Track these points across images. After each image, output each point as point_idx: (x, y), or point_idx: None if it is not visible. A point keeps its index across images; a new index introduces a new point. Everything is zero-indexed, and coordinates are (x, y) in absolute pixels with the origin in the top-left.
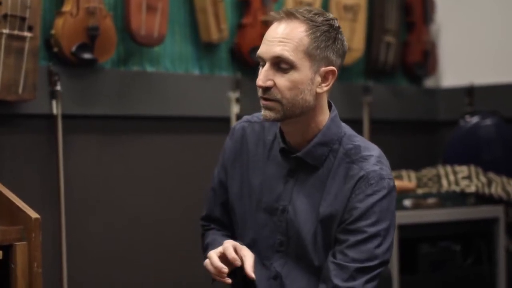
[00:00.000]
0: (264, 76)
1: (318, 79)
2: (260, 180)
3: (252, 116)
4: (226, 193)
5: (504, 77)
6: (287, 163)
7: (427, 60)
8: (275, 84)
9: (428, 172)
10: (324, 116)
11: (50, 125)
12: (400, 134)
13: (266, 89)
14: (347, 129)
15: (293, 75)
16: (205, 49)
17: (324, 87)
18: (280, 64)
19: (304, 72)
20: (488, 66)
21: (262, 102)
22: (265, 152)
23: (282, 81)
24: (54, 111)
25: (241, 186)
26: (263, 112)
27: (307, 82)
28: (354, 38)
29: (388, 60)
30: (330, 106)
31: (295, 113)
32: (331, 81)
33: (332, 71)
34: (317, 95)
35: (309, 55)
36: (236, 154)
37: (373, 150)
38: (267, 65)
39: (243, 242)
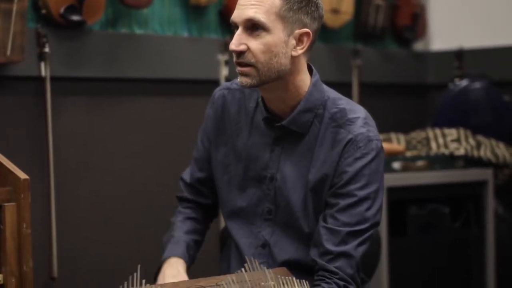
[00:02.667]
0: (237, 40)
1: (293, 41)
2: (246, 149)
3: (231, 83)
4: (209, 161)
5: (494, 40)
6: (271, 132)
7: (417, 23)
8: (248, 48)
9: (417, 135)
10: (305, 81)
11: (38, 87)
12: (389, 97)
13: (240, 54)
14: (330, 92)
15: (266, 38)
16: (193, 11)
17: (299, 50)
18: (253, 28)
19: (277, 35)
20: (478, 30)
21: (237, 68)
22: (247, 119)
23: (255, 44)
24: (43, 73)
25: (226, 155)
26: (239, 79)
27: (281, 45)
28: (344, 1)
29: (377, 23)
30: (311, 71)
31: (271, 78)
32: (306, 44)
33: (307, 33)
34: (293, 59)
35: (281, 17)
36: (218, 123)
37: (359, 112)
38: (240, 29)
39: (230, 211)
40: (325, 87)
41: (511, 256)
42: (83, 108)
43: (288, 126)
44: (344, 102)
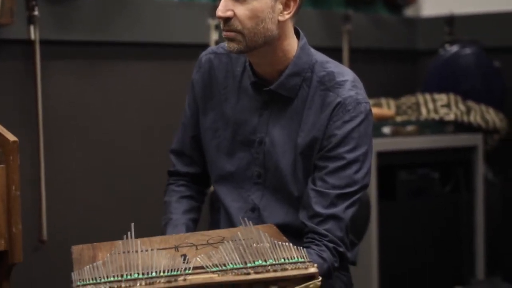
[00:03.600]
0: (223, 6)
1: (279, 6)
2: (234, 113)
3: (217, 47)
4: (198, 126)
5: (484, 6)
6: (259, 96)
7: None
8: (235, 14)
9: (407, 100)
10: (292, 45)
11: (27, 51)
12: (380, 63)
13: (227, 20)
14: (318, 55)
15: (252, 4)
16: None
17: (286, 15)
18: None
19: (263, 0)
20: None
21: (224, 33)
22: (235, 84)
23: (241, 10)
24: (32, 36)
25: (214, 120)
26: (227, 44)
27: (267, 10)
28: None
29: None
30: (298, 34)
31: (258, 43)
32: (293, 8)
33: None
34: (280, 23)
35: None
36: (205, 88)
37: (347, 75)
38: None
39: (218, 175)
40: (312, 50)
41: (500, 220)
42: (72, 71)
43: (277, 90)
44: (332, 65)
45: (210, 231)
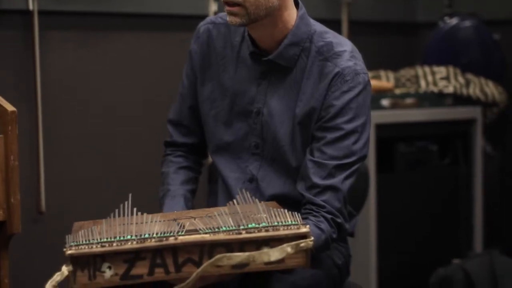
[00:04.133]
0: None
1: None
2: (232, 83)
3: (216, 17)
4: (195, 96)
5: None
6: (258, 66)
7: None
8: None
9: (406, 72)
10: (292, 16)
11: (26, 21)
12: (379, 35)
13: None
14: (317, 26)
15: None
16: None
17: None
18: None
19: None
20: None
21: (226, 8)
22: (233, 54)
23: None
24: (30, 6)
25: (212, 90)
26: (228, 18)
27: None
28: None
29: None
30: (297, 4)
31: (260, 16)
32: None
33: None
34: None
35: None
36: (204, 58)
37: (346, 45)
38: None
39: (216, 145)
40: (311, 21)
41: (498, 193)
42: (71, 42)
43: (275, 60)
44: (330, 36)
45: (212, 208)
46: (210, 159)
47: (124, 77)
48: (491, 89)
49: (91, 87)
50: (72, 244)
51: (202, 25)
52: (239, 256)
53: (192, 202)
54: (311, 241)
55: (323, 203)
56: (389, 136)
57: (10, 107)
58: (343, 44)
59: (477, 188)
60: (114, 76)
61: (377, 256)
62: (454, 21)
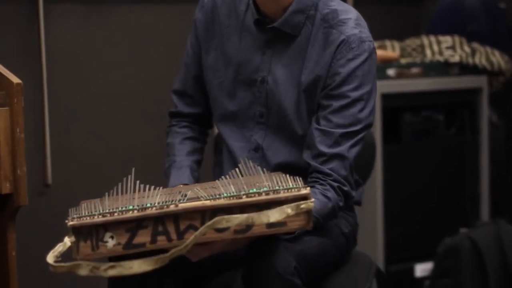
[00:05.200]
0: None
1: None
2: (236, 52)
3: None
4: (200, 66)
5: None
6: (262, 34)
7: None
8: None
9: (412, 42)
10: None
11: None
12: (385, 4)
13: None
14: None
15: None
16: None
17: None
18: None
19: None
20: None
21: None
22: (238, 23)
23: None
24: None
25: (217, 59)
26: None
27: None
28: None
29: None
30: None
31: None
32: None
33: None
34: None
35: None
36: (208, 27)
37: (351, 13)
38: None
39: (221, 114)
40: None
41: (504, 162)
42: (76, 14)
43: (280, 27)
44: (335, 3)
45: (217, 181)
46: (215, 130)
47: (129, 48)
48: (497, 58)
49: (96, 59)
50: (74, 216)
51: None
52: (238, 218)
53: (198, 172)
54: (311, 202)
55: (329, 172)
56: (395, 106)
57: (15, 79)
58: (348, 11)
59: (483, 157)
60: (119, 48)
61: (384, 225)
62: None
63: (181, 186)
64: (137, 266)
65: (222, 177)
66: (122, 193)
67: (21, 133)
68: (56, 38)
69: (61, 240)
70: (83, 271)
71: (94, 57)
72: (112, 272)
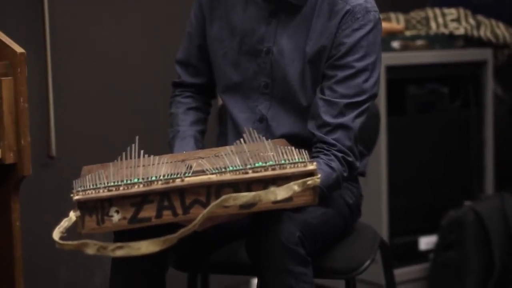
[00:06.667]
0: None
1: None
2: (241, 22)
3: None
4: (204, 35)
5: None
6: (267, 5)
7: None
8: None
9: (417, 14)
10: None
11: None
12: None
13: None
14: None
15: None
16: None
17: None
18: None
19: None
20: None
21: None
22: None
23: None
24: None
25: (221, 29)
26: None
27: None
28: None
29: None
30: None
31: None
32: None
33: None
34: None
35: None
36: None
37: None
38: None
39: (225, 85)
40: None
41: (509, 136)
42: None
43: None
44: None
45: (220, 147)
46: (219, 101)
47: (133, 19)
48: (502, 31)
49: (100, 30)
50: (79, 189)
51: None
52: (245, 196)
53: (202, 142)
54: (318, 178)
55: (334, 142)
56: (399, 78)
57: (19, 49)
58: None
59: (488, 130)
60: (123, 19)
61: (388, 197)
62: None
63: (184, 153)
64: (145, 247)
65: (228, 149)
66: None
67: (24, 103)
68: (60, 8)
69: (66, 213)
70: (90, 250)
71: (98, 27)
72: (120, 253)
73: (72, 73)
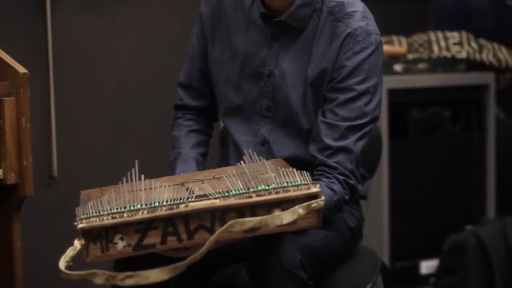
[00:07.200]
0: None
1: None
2: (243, 45)
3: None
4: (206, 58)
5: None
6: (269, 28)
7: None
8: None
9: (419, 37)
10: None
11: None
12: (392, 0)
13: None
14: None
15: None
16: None
17: None
18: None
19: None
20: None
21: None
22: (244, 16)
23: None
24: None
25: (223, 52)
26: None
27: None
28: None
29: None
30: None
31: None
32: None
33: None
34: None
35: None
36: (214, 20)
37: (357, 6)
38: None
39: (227, 108)
40: None
41: (511, 160)
42: (82, 5)
43: (287, 21)
44: None
45: (218, 169)
46: (221, 123)
47: (135, 41)
48: (504, 55)
49: (102, 51)
50: (82, 217)
51: None
52: (251, 221)
53: (204, 165)
54: (322, 200)
55: (335, 165)
56: (401, 102)
57: (21, 69)
58: (355, 4)
59: (490, 154)
60: (125, 40)
61: (390, 220)
62: None
63: (182, 175)
64: (155, 276)
65: (228, 171)
66: (128, 187)
67: (27, 123)
68: (63, 28)
69: (67, 233)
70: (99, 280)
71: (100, 48)
72: (129, 282)
73: (74, 94)
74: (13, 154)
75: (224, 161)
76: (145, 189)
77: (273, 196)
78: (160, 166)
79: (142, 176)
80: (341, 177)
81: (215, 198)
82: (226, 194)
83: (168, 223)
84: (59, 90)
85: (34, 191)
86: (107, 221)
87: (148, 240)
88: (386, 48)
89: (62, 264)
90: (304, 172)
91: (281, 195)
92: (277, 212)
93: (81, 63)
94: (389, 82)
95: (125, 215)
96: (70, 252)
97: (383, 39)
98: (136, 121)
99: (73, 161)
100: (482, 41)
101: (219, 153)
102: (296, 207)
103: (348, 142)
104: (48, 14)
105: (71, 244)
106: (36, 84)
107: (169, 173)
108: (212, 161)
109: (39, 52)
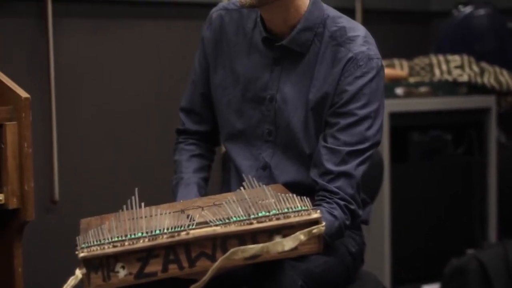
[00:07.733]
0: None
1: None
2: (245, 69)
3: (228, 3)
4: (208, 83)
5: None
6: (270, 52)
7: None
8: None
9: (421, 61)
10: (304, 1)
11: (40, 9)
12: (393, 23)
13: None
14: (330, 11)
15: None
16: None
17: None
18: None
19: None
20: None
21: None
22: (246, 41)
23: None
24: None
25: (225, 76)
26: None
27: None
28: None
29: None
30: None
31: None
32: None
33: None
34: None
35: None
36: (216, 45)
37: (359, 30)
38: None
39: (229, 133)
40: (324, 5)
41: None
42: (84, 29)
43: (288, 45)
44: (344, 20)
45: (218, 195)
46: (223, 149)
47: (137, 64)
48: (506, 78)
49: (104, 75)
50: (83, 246)
51: (214, 12)
52: (253, 248)
53: (206, 190)
54: (323, 226)
55: (336, 190)
56: (403, 125)
57: (23, 94)
58: (356, 29)
59: (491, 177)
60: (127, 64)
61: (391, 245)
62: (468, 9)
63: (182, 201)
64: None
65: (228, 197)
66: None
67: (28, 148)
68: (64, 52)
69: (69, 258)
70: None
71: (101, 71)
72: None
73: (76, 119)
74: (15, 178)
75: (225, 186)
76: (145, 217)
77: (274, 222)
78: (162, 191)
79: (143, 204)
80: (342, 202)
81: (216, 225)
82: (227, 221)
83: (169, 251)
84: (61, 114)
85: (36, 216)
86: (108, 249)
87: (149, 268)
88: (387, 71)
89: None
90: (304, 197)
91: (282, 221)
92: (278, 239)
93: (83, 88)
94: (390, 105)
95: (126, 243)
96: (71, 282)
97: (385, 63)
98: (138, 146)
99: (74, 186)
100: (484, 64)
101: (221, 177)
102: (297, 233)
103: (349, 167)
104: (50, 38)
105: (73, 269)
106: (38, 108)
107: (171, 199)
108: (214, 186)
109: (41, 76)
